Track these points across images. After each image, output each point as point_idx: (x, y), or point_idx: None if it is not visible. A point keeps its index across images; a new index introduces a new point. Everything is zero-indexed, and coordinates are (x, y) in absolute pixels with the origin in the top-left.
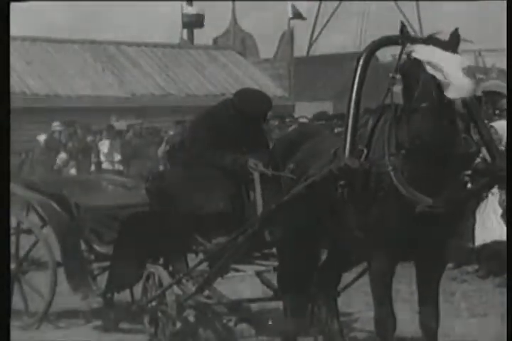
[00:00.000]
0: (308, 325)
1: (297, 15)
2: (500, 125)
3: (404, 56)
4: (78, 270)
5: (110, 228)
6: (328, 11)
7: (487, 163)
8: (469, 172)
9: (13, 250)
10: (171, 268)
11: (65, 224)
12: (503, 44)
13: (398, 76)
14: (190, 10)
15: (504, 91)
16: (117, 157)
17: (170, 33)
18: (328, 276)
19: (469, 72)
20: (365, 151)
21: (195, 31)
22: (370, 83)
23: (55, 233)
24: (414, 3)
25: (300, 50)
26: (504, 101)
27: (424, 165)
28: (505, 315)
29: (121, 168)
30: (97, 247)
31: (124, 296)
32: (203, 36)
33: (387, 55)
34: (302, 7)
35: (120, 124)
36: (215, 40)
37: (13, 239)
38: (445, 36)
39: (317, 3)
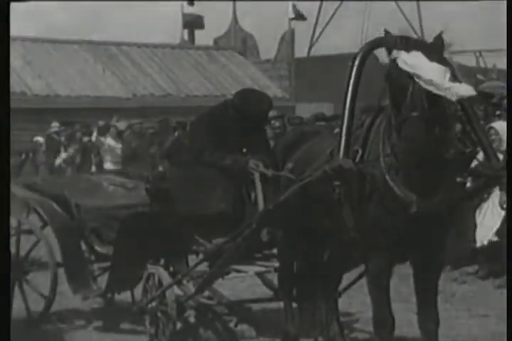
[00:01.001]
0: (309, 326)
1: (298, 15)
2: (500, 125)
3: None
4: (79, 270)
5: (110, 228)
6: (328, 11)
7: (482, 163)
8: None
9: (13, 250)
10: (171, 269)
11: (66, 224)
12: (503, 44)
13: None
14: (191, 10)
15: (497, 91)
16: (117, 157)
17: (170, 34)
18: (328, 277)
19: (465, 73)
20: (360, 152)
21: (196, 31)
22: (371, 83)
23: (56, 233)
24: (414, 3)
25: (301, 50)
26: (495, 100)
27: (418, 166)
28: (505, 315)
29: (121, 168)
30: (97, 248)
31: (124, 297)
32: (204, 36)
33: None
34: (303, 7)
35: (120, 124)
36: (216, 41)
37: (13, 239)
38: (446, 36)
39: (318, 3)
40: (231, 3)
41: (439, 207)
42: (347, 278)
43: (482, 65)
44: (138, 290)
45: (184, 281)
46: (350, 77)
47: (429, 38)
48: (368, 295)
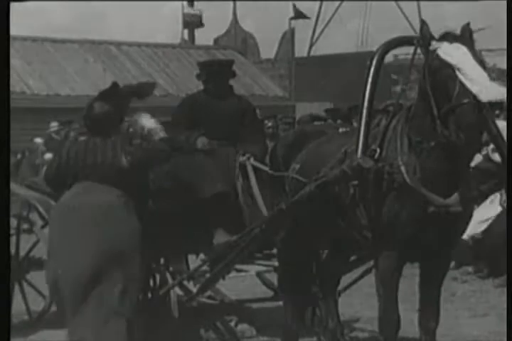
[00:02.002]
0: (309, 326)
1: (298, 14)
2: (501, 124)
3: (418, 55)
4: None
5: None
6: (329, 11)
7: (494, 163)
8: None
9: (13, 250)
10: (171, 269)
11: None
12: (503, 44)
13: (394, 76)
14: (191, 10)
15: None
16: None
17: (171, 33)
18: (328, 277)
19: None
20: (378, 151)
21: (196, 31)
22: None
23: None
24: (415, 3)
25: (301, 50)
26: None
27: (437, 164)
28: (505, 315)
29: None
30: None
31: None
32: (204, 36)
33: (388, 55)
34: (303, 7)
35: None
36: (216, 40)
37: (13, 239)
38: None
39: (318, 3)
40: (231, 3)
41: (456, 206)
42: (348, 277)
43: None
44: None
45: (185, 281)
46: (367, 76)
47: None
48: (367, 295)
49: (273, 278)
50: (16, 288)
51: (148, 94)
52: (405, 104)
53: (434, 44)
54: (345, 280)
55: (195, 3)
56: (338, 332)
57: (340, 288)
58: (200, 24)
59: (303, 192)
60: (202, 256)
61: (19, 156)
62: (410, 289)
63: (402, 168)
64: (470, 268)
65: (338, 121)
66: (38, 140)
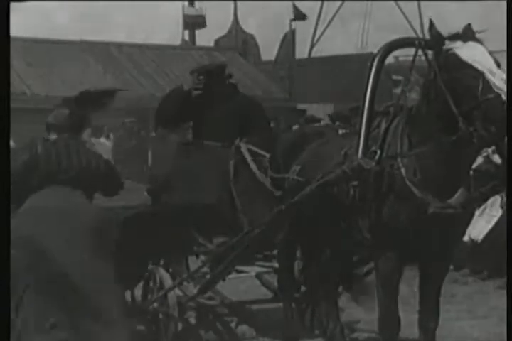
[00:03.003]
0: (310, 327)
1: (299, 16)
2: None
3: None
4: None
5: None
6: (329, 12)
7: (494, 164)
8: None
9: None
10: (170, 270)
11: None
12: (503, 45)
13: (399, 77)
14: (192, 11)
15: None
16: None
17: (171, 34)
18: (328, 278)
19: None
20: (378, 152)
21: (197, 32)
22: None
23: None
24: (415, 3)
25: (301, 51)
26: None
27: (437, 166)
28: (506, 316)
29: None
30: None
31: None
32: (205, 37)
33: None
34: (304, 8)
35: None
36: (217, 41)
37: None
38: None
39: (319, 3)
40: (232, 3)
41: (456, 208)
42: None
43: None
44: (137, 291)
45: (185, 282)
46: (368, 78)
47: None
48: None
49: (273, 279)
50: None
51: (106, 104)
52: (405, 106)
53: (447, 43)
54: None
55: (196, 4)
56: (339, 334)
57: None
58: (203, 24)
59: (303, 193)
60: (202, 257)
61: None
62: (410, 291)
63: (402, 170)
64: (470, 270)
65: (337, 123)
66: (11, 143)
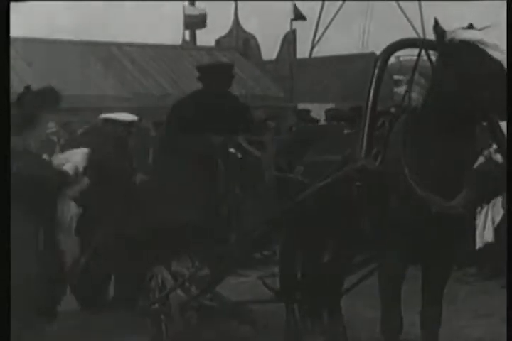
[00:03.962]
0: (311, 327)
1: (299, 16)
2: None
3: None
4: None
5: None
6: (330, 12)
7: (497, 164)
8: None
9: None
10: (172, 271)
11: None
12: (503, 44)
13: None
14: (193, 10)
15: None
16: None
17: (172, 34)
18: (331, 278)
19: None
20: (382, 153)
21: (198, 32)
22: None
23: None
24: (416, 3)
25: (302, 51)
26: None
27: (441, 166)
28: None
29: None
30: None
31: None
32: (206, 37)
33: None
34: (304, 8)
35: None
36: (218, 41)
37: None
38: None
39: (319, 3)
40: (233, 3)
41: (460, 208)
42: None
43: None
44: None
45: (186, 283)
46: (372, 78)
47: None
48: (369, 296)
49: (273, 282)
50: None
51: (52, 104)
52: (408, 106)
53: (448, 33)
54: (347, 281)
55: (197, 4)
56: (341, 334)
57: (345, 288)
58: (204, 24)
59: (306, 193)
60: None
61: None
62: (412, 291)
63: (406, 170)
64: (472, 269)
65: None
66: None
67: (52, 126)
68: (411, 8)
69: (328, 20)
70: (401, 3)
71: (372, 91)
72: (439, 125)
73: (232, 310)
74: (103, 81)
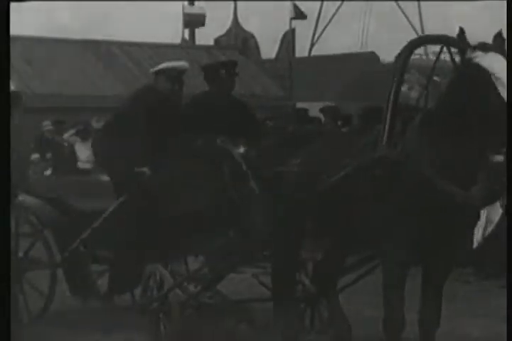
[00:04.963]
0: (309, 326)
1: (299, 15)
2: None
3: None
4: (77, 272)
5: (108, 230)
6: (329, 11)
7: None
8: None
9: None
10: (169, 269)
11: (64, 228)
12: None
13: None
14: (192, 9)
15: None
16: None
17: (171, 33)
18: (326, 276)
19: None
20: (400, 145)
21: (197, 31)
22: (370, 83)
23: (54, 237)
24: (416, 2)
25: (302, 50)
26: None
27: (457, 158)
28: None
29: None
30: (96, 250)
31: (124, 297)
32: (205, 36)
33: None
34: (304, 7)
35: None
36: (217, 40)
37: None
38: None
39: (319, 3)
40: (232, 2)
41: (478, 199)
42: (348, 278)
43: None
44: (137, 291)
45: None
46: (393, 77)
47: None
48: (369, 294)
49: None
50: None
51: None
52: (410, 105)
53: (468, 53)
54: (347, 280)
55: (196, 2)
56: (346, 332)
57: (341, 286)
58: (203, 23)
59: (327, 184)
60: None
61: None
62: (412, 289)
63: (424, 162)
64: (471, 269)
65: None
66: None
67: (47, 124)
68: (410, 7)
69: (328, 19)
70: (400, 2)
71: (394, 88)
72: (453, 123)
73: (232, 309)
74: (103, 80)
